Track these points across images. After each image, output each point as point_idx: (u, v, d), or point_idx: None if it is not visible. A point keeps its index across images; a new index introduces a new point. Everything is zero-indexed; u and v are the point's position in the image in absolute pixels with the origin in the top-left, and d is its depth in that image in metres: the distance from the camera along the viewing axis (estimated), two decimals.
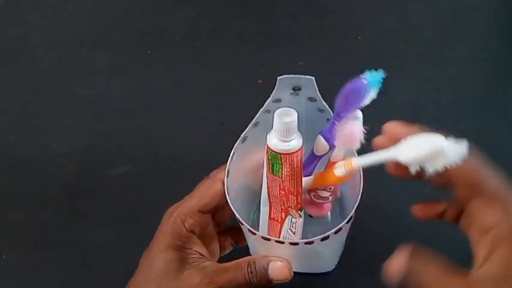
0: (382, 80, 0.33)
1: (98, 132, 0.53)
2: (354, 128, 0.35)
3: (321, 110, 0.40)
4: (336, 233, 0.34)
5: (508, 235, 0.30)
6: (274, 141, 0.35)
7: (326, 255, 0.41)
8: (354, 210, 0.36)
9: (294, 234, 0.39)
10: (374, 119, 0.54)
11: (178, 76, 0.54)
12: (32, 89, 0.53)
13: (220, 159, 0.51)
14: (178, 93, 0.54)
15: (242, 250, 0.41)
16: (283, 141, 0.34)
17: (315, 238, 0.34)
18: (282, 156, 0.35)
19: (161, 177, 0.52)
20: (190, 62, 0.54)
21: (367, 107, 0.53)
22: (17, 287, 0.51)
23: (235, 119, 0.52)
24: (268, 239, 0.35)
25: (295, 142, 0.34)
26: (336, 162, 0.37)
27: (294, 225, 0.39)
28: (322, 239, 0.34)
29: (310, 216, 0.41)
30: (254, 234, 0.35)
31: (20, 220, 0.51)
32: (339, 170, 0.36)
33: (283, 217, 0.39)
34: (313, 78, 0.38)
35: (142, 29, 0.54)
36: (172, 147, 0.53)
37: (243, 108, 0.51)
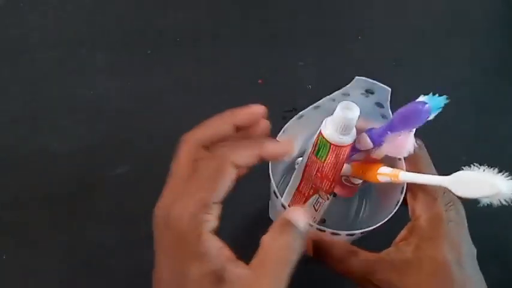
0: (443, 105, 0.34)
1: (98, 132, 0.53)
2: (406, 140, 0.36)
3: (383, 116, 0.40)
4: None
5: (425, 228, 0.33)
6: (329, 130, 0.35)
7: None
8: (395, 209, 0.36)
9: (316, 211, 0.39)
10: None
11: (178, 76, 0.54)
12: (32, 89, 0.53)
13: None
14: (178, 93, 0.54)
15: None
16: (338, 133, 0.34)
17: (369, 229, 0.34)
18: (332, 146, 0.35)
19: (161, 177, 0.52)
20: (190, 62, 0.54)
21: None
22: (17, 287, 0.51)
23: None
24: (324, 231, 0.34)
25: (349, 138, 0.35)
26: (376, 159, 0.37)
27: (319, 204, 0.39)
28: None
29: (335, 195, 0.41)
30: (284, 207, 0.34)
31: (20, 220, 0.51)
32: (383, 178, 0.36)
33: (311, 194, 0.39)
34: (389, 89, 0.39)
35: (142, 29, 0.54)
36: (173, 147, 0.53)
37: None
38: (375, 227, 0.34)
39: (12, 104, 0.53)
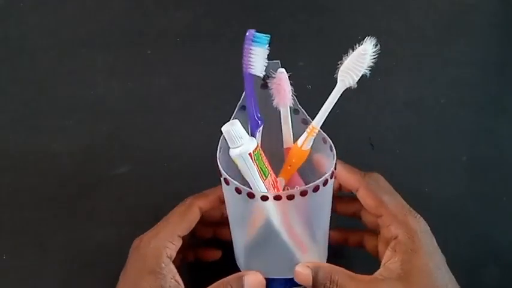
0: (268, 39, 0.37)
1: (98, 132, 0.53)
2: (281, 81, 0.39)
3: (304, 121, 0.41)
4: (317, 188, 0.36)
5: (405, 242, 0.37)
6: (232, 152, 0.37)
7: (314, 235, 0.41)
8: (333, 167, 0.37)
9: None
10: (374, 119, 0.54)
11: (178, 76, 0.54)
12: (32, 89, 0.53)
13: None
14: (178, 93, 0.53)
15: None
16: (232, 147, 0.37)
17: (305, 187, 0.36)
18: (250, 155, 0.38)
19: (161, 177, 0.52)
20: (190, 62, 0.54)
21: (368, 107, 0.53)
22: (17, 287, 0.51)
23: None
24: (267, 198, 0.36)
25: (247, 146, 0.37)
26: (290, 147, 0.40)
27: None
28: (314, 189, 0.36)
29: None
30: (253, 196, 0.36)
31: (20, 220, 0.51)
32: (307, 143, 0.39)
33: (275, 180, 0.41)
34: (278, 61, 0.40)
35: (142, 29, 0.54)
36: (172, 147, 0.53)
37: None
38: (318, 181, 0.36)
39: (12, 104, 0.53)
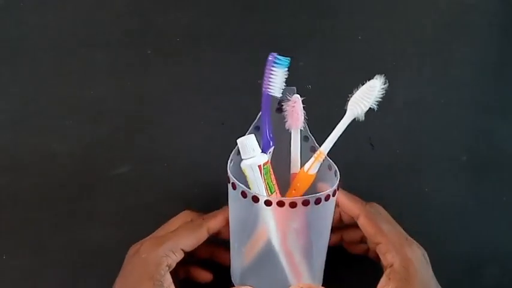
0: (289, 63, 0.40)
1: (98, 132, 0.53)
2: (296, 104, 0.41)
3: (312, 149, 0.43)
4: (318, 200, 0.38)
5: (400, 271, 0.39)
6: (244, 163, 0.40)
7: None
8: (337, 184, 0.39)
9: None
10: (375, 119, 0.54)
11: (178, 76, 0.54)
12: (32, 89, 0.53)
13: (220, 159, 0.51)
14: (178, 93, 0.54)
15: None
16: (246, 158, 0.40)
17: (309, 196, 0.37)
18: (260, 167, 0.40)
19: (161, 177, 0.52)
20: (190, 62, 0.54)
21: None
22: (17, 287, 0.51)
23: (235, 119, 0.52)
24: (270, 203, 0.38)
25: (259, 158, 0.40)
26: (297, 173, 0.42)
27: None
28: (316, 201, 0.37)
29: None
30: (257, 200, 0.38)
31: (20, 220, 0.51)
32: (314, 167, 0.40)
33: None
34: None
35: (142, 29, 0.54)
36: (172, 147, 0.53)
37: (243, 108, 0.51)
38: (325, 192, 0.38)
39: (12, 104, 0.53)
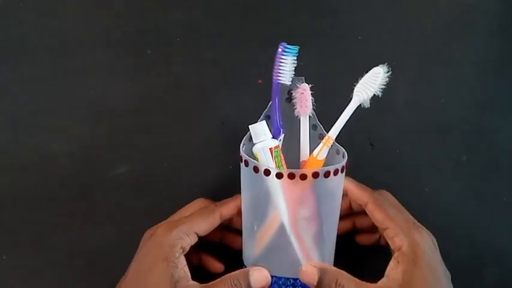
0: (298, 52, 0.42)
1: (98, 132, 0.53)
2: (305, 91, 0.43)
3: (320, 136, 0.45)
4: (327, 173, 0.39)
5: (408, 254, 0.39)
6: (256, 147, 0.42)
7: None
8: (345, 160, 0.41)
9: None
10: (374, 119, 0.54)
11: (178, 76, 0.54)
12: (32, 89, 0.53)
13: (220, 158, 0.51)
14: (178, 93, 0.54)
15: None
16: (257, 141, 0.42)
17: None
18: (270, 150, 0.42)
19: (161, 177, 0.52)
20: (190, 62, 0.54)
21: (367, 107, 0.53)
22: (17, 287, 0.51)
23: (235, 119, 0.52)
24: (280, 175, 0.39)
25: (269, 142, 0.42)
26: (306, 160, 0.43)
27: None
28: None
29: None
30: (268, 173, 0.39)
31: (20, 220, 0.51)
32: (322, 152, 0.42)
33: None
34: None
35: (142, 29, 0.54)
36: (172, 147, 0.53)
37: (243, 108, 0.51)
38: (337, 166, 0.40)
39: (12, 104, 0.53)
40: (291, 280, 0.42)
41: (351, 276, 0.39)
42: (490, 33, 0.56)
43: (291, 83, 0.43)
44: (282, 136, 0.44)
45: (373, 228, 0.47)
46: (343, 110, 0.42)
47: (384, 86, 0.42)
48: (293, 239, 0.41)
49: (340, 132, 0.42)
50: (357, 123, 0.53)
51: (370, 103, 0.54)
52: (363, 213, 0.45)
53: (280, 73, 0.42)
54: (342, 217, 0.46)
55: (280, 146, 0.43)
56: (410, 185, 0.53)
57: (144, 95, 0.53)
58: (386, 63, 0.40)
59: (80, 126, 0.53)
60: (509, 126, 0.54)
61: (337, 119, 0.42)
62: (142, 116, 0.53)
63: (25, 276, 0.51)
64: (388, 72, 0.41)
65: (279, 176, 0.39)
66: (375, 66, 0.41)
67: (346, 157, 0.42)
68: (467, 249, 0.52)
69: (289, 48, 0.42)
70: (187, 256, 0.43)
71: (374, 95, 0.40)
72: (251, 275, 0.40)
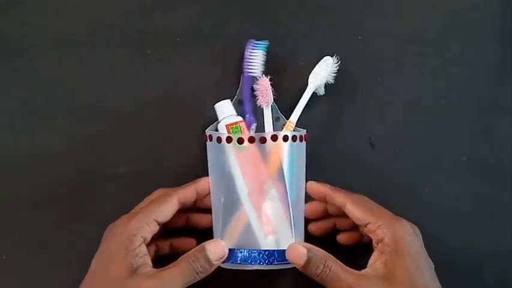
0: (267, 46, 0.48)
1: (98, 132, 0.53)
2: (264, 82, 0.46)
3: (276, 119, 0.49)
4: (285, 138, 0.44)
5: (390, 244, 0.40)
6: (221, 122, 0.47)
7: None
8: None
9: None
10: (374, 119, 0.54)
11: (178, 76, 0.54)
12: (32, 89, 0.53)
13: None
14: (178, 93, 0.54)
15: None
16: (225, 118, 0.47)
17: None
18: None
19: (161, 177, 0.52)
20: (190, 62, 0.54)
21: (368, 107, 0.53)
22: (17, 287, 0.51)
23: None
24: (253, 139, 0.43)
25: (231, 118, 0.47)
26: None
27: None
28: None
29: None
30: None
31: (20, 220, 0.51)
32: (288, 133, 0.44)
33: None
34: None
35: (142, 29, 0.54)
36: (172, 147, 0.53)
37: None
38: None
39: (12, 104, 0.53)
40: (254, 252, 0.42)
41: (338, 261, 0.40)
42: (490, 33, 0.56)
43: (260, 76, 0.47)
44: (254, 126, 0.48)
45: (354, 228, 0.47)
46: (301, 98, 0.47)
47: (335, 74, 0.48)
48: (252, 210, 0.42)
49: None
50: (357, 123, 0.54)
51: (370, 103, 0.54)
52: (342, 215, 0.45)
53: (250, 67, 0.47)
54: (322, 217, 0.48)
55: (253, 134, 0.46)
56: (410, 185, 0.53)
57: (144, 95, 0.53)
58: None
59: (80, 126, 0.53)
60: (509, 126, 0.54)
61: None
62: (143, 116, 0.53)
63: (25, 276, 0.51)
64: (337, 62, 0.48)
65: (240, 141, 0.42)
66: (325, 57, 0.48)
67: (305, 131, 0.46)
68: (467, 249, 0.52)
69: (258, 44, 0.47)
70: (157, 247, 0.44)
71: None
72: (207, 248, 0.41)
